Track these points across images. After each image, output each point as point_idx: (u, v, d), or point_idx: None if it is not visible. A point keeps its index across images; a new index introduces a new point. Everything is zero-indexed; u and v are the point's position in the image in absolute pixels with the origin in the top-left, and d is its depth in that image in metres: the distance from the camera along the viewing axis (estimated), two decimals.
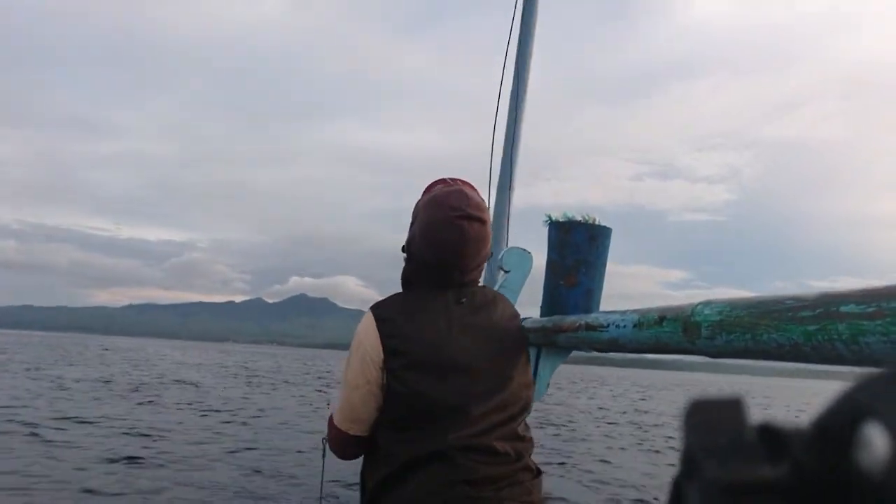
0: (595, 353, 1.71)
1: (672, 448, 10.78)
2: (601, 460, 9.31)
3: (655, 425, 15.32)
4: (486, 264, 1.88)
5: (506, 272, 2.23)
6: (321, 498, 2.82)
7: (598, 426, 14.28)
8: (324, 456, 2.09)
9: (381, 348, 1.69)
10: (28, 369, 20.67)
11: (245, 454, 7.84)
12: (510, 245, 2.80)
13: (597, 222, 2.10)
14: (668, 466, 8.91)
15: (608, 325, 1.50)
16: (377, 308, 1.77)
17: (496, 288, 2.11)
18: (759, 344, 0.96)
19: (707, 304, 1.10)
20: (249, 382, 21.38)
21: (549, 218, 2.16)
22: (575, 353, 2.09)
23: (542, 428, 12.33)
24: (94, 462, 6.75)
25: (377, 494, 1.69)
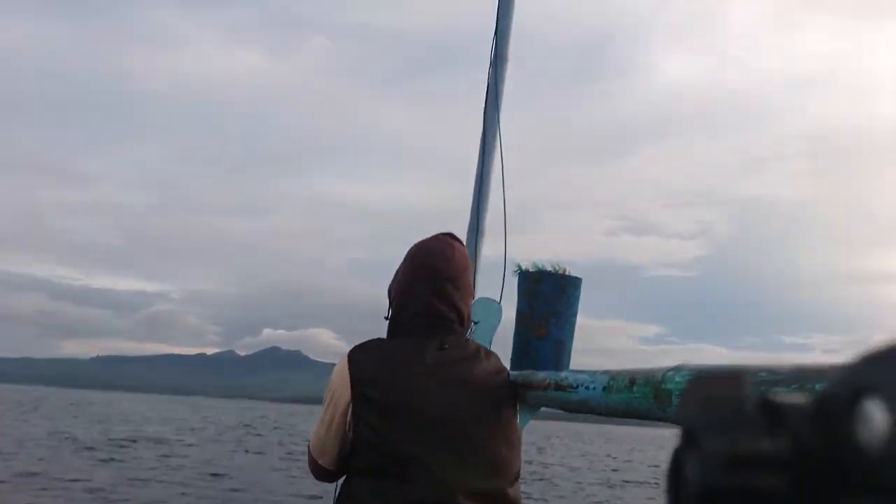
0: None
1: None
2: None
3: None
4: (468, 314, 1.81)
5: (474, 323, 2.15)
6: None
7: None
8: None
9: (349, 393, 1.66)
10: None
11: None
12: (478, 296, 2.74)
13: (567, 272, 2.05)
14: None
15: (577, 386, 1.44)
16: (354, 351, 1.75)
17: None
18: None
19: (678, 370, 1.05)
20: (216, 440, 20.80)
21: (519, 268, 2.12)
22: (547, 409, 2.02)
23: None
24: None
25: None
